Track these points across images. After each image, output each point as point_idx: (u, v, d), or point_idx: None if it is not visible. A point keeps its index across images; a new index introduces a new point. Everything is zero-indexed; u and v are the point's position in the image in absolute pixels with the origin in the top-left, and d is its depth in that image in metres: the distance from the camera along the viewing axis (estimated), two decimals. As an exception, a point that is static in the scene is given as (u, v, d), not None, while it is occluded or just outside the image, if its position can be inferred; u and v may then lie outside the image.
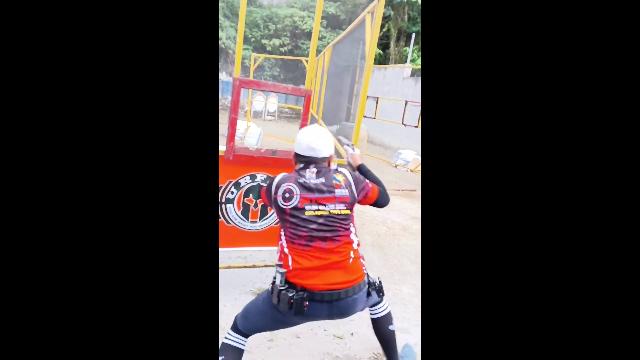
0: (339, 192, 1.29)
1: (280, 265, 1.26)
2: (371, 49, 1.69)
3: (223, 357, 1.26)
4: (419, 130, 5.87)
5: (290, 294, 1.18)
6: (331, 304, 1.22)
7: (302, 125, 1.91)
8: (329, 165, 1.38)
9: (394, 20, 13.12)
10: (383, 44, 13.71)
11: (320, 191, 1.28)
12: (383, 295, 1.41)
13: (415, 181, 5.94)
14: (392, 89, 9.72)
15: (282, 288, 1.20)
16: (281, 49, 13.11)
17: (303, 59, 6.62)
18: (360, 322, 2.04)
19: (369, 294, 1.31)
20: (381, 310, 1.48)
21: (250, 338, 1.39)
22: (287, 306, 1.18)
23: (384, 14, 11.56)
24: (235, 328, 1.33)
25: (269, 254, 2.49)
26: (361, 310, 1.33)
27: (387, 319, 1.48)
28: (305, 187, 1.28)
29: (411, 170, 6.43)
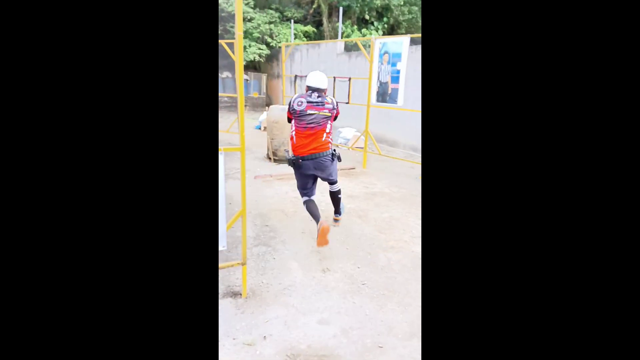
0: (326, 107, 2.77)
1: (290, 145, 2.85)
2: (238, 20, 1.51)
3: (306, 205, 2.91)
4: (352, 106, 5.75)
5: (291, 159, 2.82)
6: (312, 161, 2.76)
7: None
8: (325, 93, 2.83)
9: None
10: (316, 22, 13.40)
11: (317, 104, 2.75)
12: (340, 160, 2.93)
13: (356, 158, 5.89)
14: (328, 67, 9.54)
15: (288, 158, 2.86)
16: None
17: (223, 42, 6.21)
18: (276, 322, 1.90)
19: (332, 159, 2.85)
20: (335, 188, 3.06)
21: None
22: (292, 165, 2.83)
23: None
24: (300, 192, 3.00)
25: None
26: (331, 170, 2.87)
27: (337, 192, 3.07)
28: (309, 101, 2.75)
29: (350, 148, 6.39)
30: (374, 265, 2.62)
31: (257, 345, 1.75)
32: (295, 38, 12.47)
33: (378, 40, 4.99)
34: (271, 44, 12.78)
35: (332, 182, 2.99)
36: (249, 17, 12.72)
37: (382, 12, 12.80)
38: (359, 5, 12.13)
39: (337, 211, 3.20)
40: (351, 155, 6.21)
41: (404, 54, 4.66)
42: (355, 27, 12.52)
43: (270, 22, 12.90)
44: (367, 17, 12.55)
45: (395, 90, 4.86)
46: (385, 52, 4.88)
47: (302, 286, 2.31)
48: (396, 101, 4.89)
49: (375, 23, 12.72)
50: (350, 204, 3.85)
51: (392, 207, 3.79)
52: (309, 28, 12.96)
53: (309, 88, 2.80)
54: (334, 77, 6.14)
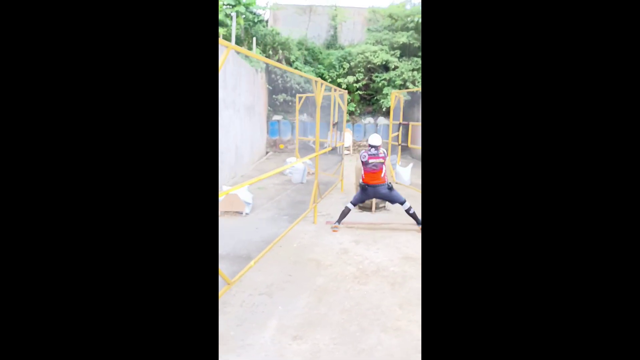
0: (380, 156, 4.42)
1: (361, 180, 4.51)
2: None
3: (344, 210, 4.50)
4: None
5: (362, 184, 4.48)
6: (372, 188, 4.44)
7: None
8: (378, 149, 4.47)
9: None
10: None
11: (374, 156, 4.41)
12: (392, 189, 4.44)
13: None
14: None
15: (360, 183, 4.54)
16: (355, 84, 13.35)
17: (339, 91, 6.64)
18: None
19: (389, 189, 4.40)
20: (406, 207, 4.43)
21: None
22: (362, 188, 4.51)
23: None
24: (353, 201, 4.56)
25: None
26: (388, 195, 4.45)
27: (408, 209, 4.41)
28: (370, 154, 4.42)
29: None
30: (353, 345, 2.24)
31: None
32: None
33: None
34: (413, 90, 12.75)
35: (401, 203, 4.44)
36: (393, 67, 13.14)
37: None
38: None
39: (417, 222, 4.46)
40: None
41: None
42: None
43: (414, 69, 12.95)
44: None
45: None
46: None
47: (260, 348, 2.19)
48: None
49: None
50: (397, 266, 3.40)
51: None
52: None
53: (369, 145, 4.51)
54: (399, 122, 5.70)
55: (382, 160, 4.40)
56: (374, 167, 4.36)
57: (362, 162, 4.46)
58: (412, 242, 4.10)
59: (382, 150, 4.50)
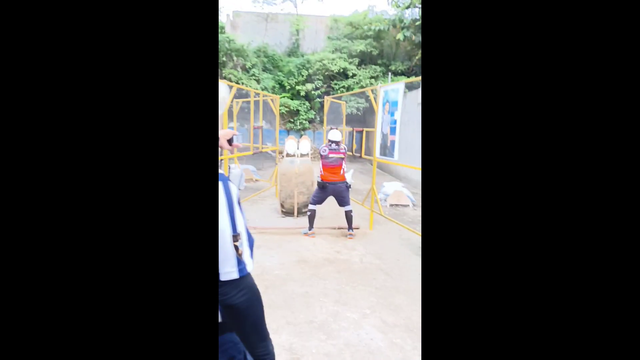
0: (341, 152, 4.30)
1: (319, 176, 4.33)
2: None
3: (310, 213, 4.39)
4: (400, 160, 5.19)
5: (320, 182, 4.30)
6: (332, 186, 4.27)
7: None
8: (338, 144, 4.34)
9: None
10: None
11: (334, 151, 4.28)
12: (349, 187, 4.46)
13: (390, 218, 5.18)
14: (411, 117, 8.93)
15: (318, 181, 4.35)
16: (314, 92, 13.40)
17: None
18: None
19: (347, 187, 4.37)
20: (348, 209, 4.37)
21: None
22: (319, 186, 4.35)
23: (413, 41, 11.14)
24: (312, 201, 4.38)
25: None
26: (344, 194, 4.33)
27: (349, 211, 4.37)
28: (330, 149, 4.29)
29: (361, 204, 5.64)
30: None
31: None
32: (396, 90, 12.24)
33: (382, 89, 4.43)
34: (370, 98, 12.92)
35: (347, 204, 4.38)
36: (351, 74, 13.27)
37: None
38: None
39: (350, 227, 4.43)
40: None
41: (399, 102, 3.97)
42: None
43: (372, 77, 13.11)
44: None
45: (393, 143, 4.13)
46: (387, 101, 4.27)
47: None
48: (393, 155, 4.14)
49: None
50: (283, 270, 3.33)
51: (328, 282, 3.09)
52: (413, 79, 12.56)
53: (329, 140, 4.36)
54: (353, 129, 5.71)
55: (342, 156, 4.28)
56: (334, 162, 4.24)
57: (321, 155, 4.31)
58: (317, 246, 4.06)
59: (342, 146, 4.38)
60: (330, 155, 4.26)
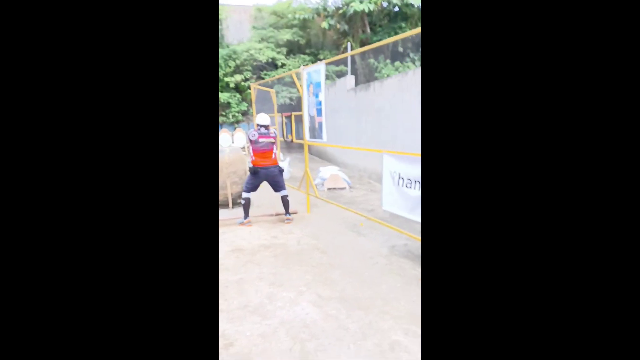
0: (271, 136, 4.26)
1: (250, 161, 4.24)
2: None
3: (244, 202, 4.28)
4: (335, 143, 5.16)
5: (252, 167, 4.22)
6: (264, 170, 4.23)
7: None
8: (267, 128, 4.30)
9: (353, 34, 12.62)
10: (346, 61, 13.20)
11: (264, 135, 4.23)
12: (281, 172, 4.39)
13: (321, 200, 5.18)
14: (341, 104, 9.07)
15: (249, 167, 4.26)
16: (244, 83, 13.06)
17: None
18: None
19: (280, 172, 4.36)
20: (284, 194, 4.36)
21: None
22: (252, 173, 4.24)
23: (339, 29, 11.11)
24: (245, 189, 4.28)
25: None
26: (278, 179, 4.32)
27: (285, 196, 4.37)
28: (260, 133, 4.23)
29: (297, 189, 5.68)
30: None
31: None
32: (327, 79, 12.36)
33: (305, 71, 4.42)
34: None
35: (283, 189, 4.35)
36: (280, 64, 13.14)
37: (418, 42, 11.99)
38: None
39: (287, 212, 4.40)
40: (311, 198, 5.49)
41: (322, 83, 3.99)
42: (388, 61, 11.88)
43: (302, 66, 13.10)
44: (400, 49, 11.89)
45: (320, 124, 4.15)
46: (310, 83, 4.27)
47: None
48: (322, 136, 4.17)
49: (412, 54, 11.94)
50: (232, 258, 3.20)
51: (264, 266, 3.03)
52: (342, 68, 12.77)
53: (258, 125, 4.28)
54: (282, 114, 5.67)
55: (272, 140, 4.22)
56: (265, 147, 4.17)
57: (251, 140, 4.21)
58: (253, 234, 3.97)
59: (272, 130, 4.31)
60: (261, 140, 4.18)
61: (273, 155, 4.24)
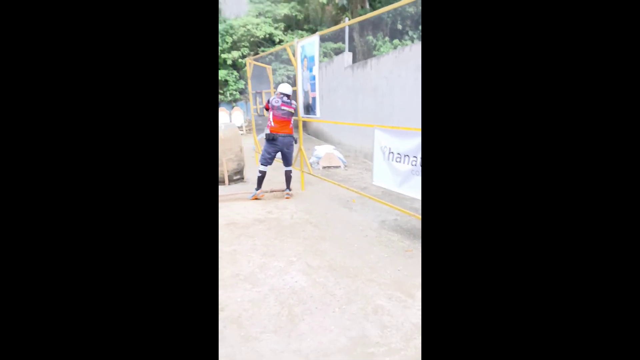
0: (292, 106, 4.21)
1: (268, 127, 4.23)
2: None
3: (260, 175, 4.31)
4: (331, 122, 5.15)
5: (270, 134, 4.18)
6: (281, 138, 4.19)
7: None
8: (289, 98, 4.27)
9: (352, 9, 12.35)
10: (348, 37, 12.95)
11: (286, 103, 4.18)
12: (296, 143, 4.41)
13: (317, 178, 5.22)
14: (339, 81, 8.98)
15: (267, 133, 4.22)
16: (241, 60, 12.87)
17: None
18: None
19: (295, 141, 4.35)
20: (289, 168, 4.38)
21: None
22: (270, 139, 4.20)
23: (337, 4, 10.77)
24: (262, 162, 4.30)
25: None
26: (291, 149, 4.31)
27: (289, 171, 4.40)
28: (282, 100, 4.18)
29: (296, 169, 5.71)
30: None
31: None
32: (325, 56, 12.17)
33: (299, 44, 4.37)
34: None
35: (290, 164, 4.39)
36: (278, 40, 12.91)
37: (418, 20, 11.75)
38: (390, 16, 11.34)
39: (288, 187, 4.49)
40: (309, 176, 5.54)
41: (316, 57, 3.96)
42: (387, 38, 11.68)
43: (299, 43, 12.88)
44: (399, 27, 11.67)
45: (314, 100, 4.15)
46: (304, 57, 4.24)
47: None
48: (315, 112, 4.17)
49: (410, 32, 11.73)
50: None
51: (257, 238, 3.11)
52: (340, 45, 12.56)
53: (281, 93, 4.25)
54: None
55: (292, 111, 4.20)
56: (286, 116, 4.14)
57: (273, 106, 4.15)
58: (247, 209, 4.03)
59: (293, 102, 4.26)
60: (283, 107, 4.14)
61: (290, 125, 4.22)
